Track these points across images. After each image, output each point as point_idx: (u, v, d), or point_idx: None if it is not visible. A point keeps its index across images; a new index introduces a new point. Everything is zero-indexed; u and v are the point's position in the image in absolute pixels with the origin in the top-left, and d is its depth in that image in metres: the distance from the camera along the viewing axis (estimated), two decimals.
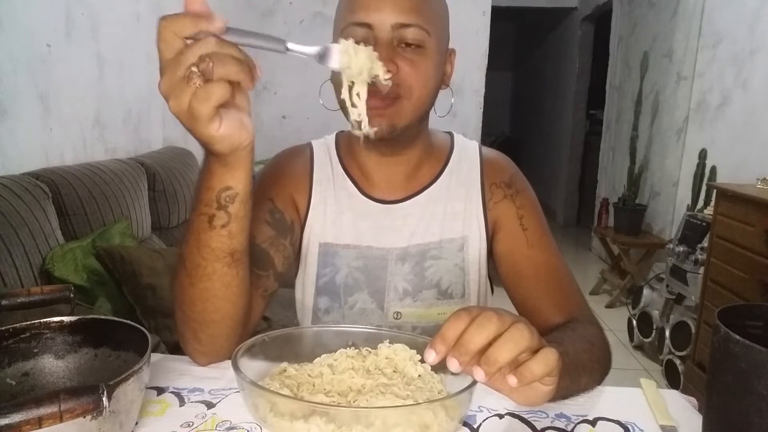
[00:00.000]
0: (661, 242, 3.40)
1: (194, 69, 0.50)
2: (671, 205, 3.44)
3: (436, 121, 0.91)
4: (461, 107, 3.51)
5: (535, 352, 0.53)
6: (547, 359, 0.52)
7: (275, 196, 0.87)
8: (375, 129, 0.70)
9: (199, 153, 0.63)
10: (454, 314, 0.52)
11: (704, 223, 2.43)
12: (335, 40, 0.80)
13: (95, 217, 1.68)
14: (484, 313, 0.52)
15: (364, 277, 0.89)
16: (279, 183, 0.89)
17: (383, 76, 0.64)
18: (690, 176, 2.91)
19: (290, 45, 0.55)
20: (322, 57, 0.59)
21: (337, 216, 0.90)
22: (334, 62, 0.60)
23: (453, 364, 0.51)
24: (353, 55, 0.62)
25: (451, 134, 0.97)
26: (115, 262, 1.59)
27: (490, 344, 0.51)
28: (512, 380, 0.51)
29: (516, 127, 8.32)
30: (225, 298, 0.68)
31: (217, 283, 0.67)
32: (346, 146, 0.93)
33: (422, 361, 0.67)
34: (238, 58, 0.51)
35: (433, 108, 0.85)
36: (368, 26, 0.76)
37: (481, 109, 3.67)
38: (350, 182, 0.90)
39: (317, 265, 0.90)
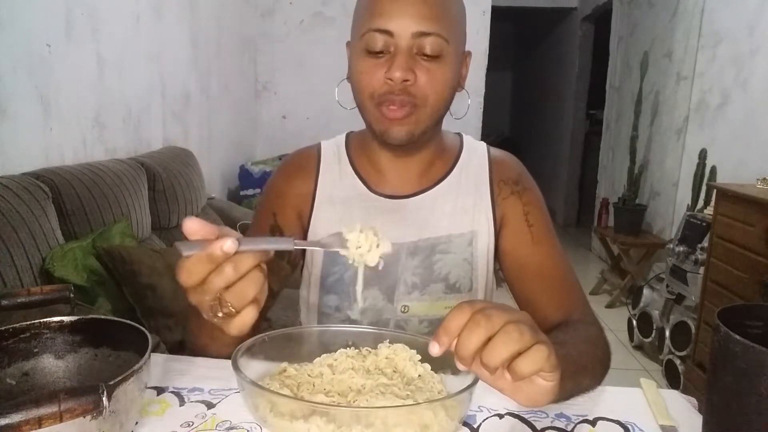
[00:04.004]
0: (661, 242, 3.40)
1: (220, 298, 0.52)
2: (671, 205, 3.43)
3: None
4: (461, 107, 3.51)
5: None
6: (535, 357, 0.51)
7: (278, 210, 0.89)
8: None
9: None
10: (456, 306, 0.52)
11: (704, 223, 2.43)
12: (354, 44, 0.82)
13: (95, 217, 1.68)
14: (483, 311, 0.51)
15: (373, 273, 0.89)
16: (282, 194, 0.91)
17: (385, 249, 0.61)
18: (690, 176, 2.91)
19: (296, 241, 0.55)
20: (329, 246, 0.59)
21: (345, 214, 0.90)
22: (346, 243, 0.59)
23: (460, 365, 0.52)
24: (362, 239, 0.59)
25: (460, 135, 0.98)
26: (115, 262, 1.59)
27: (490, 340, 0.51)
28: (507, 377, 0.52)
29: (516, 127, 8.31)
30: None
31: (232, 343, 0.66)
32: (358, 145, 0.94)
33: (422, 361, 0.67)
34: (257, 282, 0.53)
35: (449, 111, 0.86)
36: (389, 33, 0.77)
37: (481, 109, 3.68)
38: (359, 181, 0.91)
39: (323, 264, 0.91)
